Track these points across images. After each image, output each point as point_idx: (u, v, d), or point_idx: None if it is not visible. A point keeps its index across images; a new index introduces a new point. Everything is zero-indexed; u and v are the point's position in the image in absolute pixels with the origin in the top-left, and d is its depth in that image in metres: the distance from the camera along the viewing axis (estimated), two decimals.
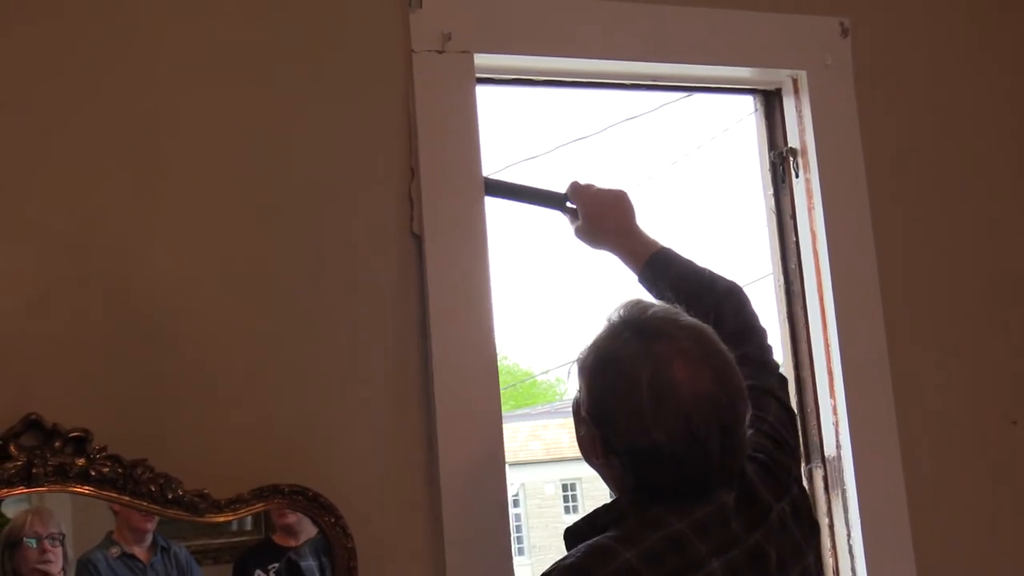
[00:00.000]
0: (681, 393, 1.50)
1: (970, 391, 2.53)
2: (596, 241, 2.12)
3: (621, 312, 1.62)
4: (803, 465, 2.33)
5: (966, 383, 2.53)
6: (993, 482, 2.52)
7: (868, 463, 2.34)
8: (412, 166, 2.07)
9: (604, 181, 2.16)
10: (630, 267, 2.07)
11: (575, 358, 1.66)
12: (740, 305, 1.94)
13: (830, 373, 2.37)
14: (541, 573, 1.48)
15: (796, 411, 1.93)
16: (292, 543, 1.93)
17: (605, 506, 1.59)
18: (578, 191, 2.13)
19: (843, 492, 2.35)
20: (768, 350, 1.92)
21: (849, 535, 2.33)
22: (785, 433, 1.74)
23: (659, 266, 2.02)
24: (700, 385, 1.51)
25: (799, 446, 1.82)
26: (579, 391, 1.64)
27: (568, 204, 2.16)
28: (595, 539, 1.49)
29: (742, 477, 1.59)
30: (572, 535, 1.57)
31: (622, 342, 1.57)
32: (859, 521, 2.32)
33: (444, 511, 2.00)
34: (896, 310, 2.43)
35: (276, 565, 1.93)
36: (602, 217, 2.10)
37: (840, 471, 2.35)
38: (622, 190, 2.14)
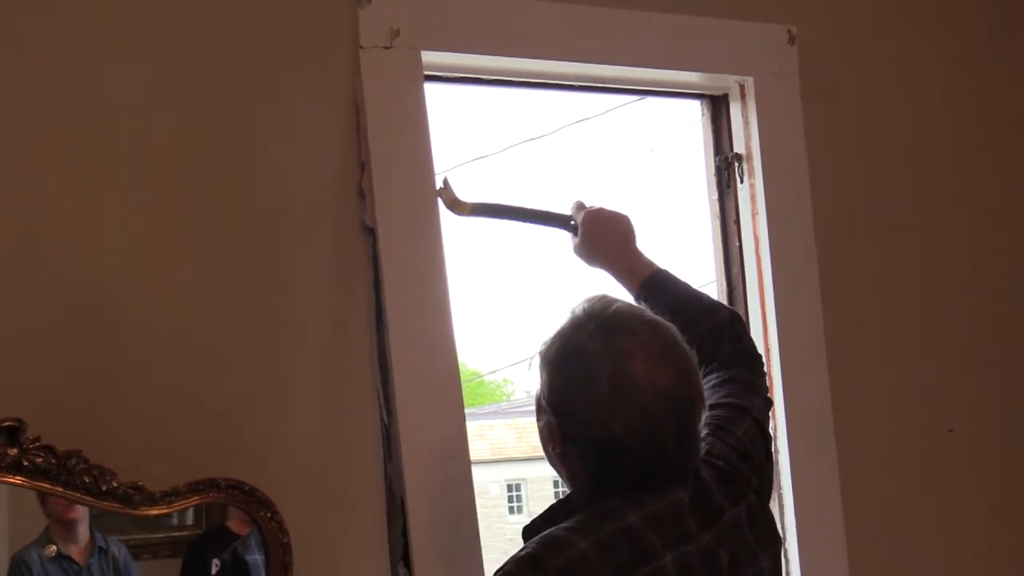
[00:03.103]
0: (641, 388, 1.52)
1: (908, 398, 2.56)
2: (592, 258, 2.11)
3: (585, 306, 1.63)
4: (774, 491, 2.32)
5: (904, 390, 2.56)
6: (930, 488, 2.56)
7: (805, 468, 2.36)
8: (363, 160, 2.07)
9: (611, 204, 2.13)
10: (625, 286, 2.04)
11: (537, 349, 1.66)
12: (740, 333, 1.94)
13: (769, 378, 2.38)
14: (496, 569, 1.49)
15: None
16: (246, 531, 1.91)
17: (560, 501, 1.60)
18: (581, 208, 2.12)
19: (779, 496, 2.36)
20: (760, 375, 1.92)
21: (784, 539, 2.35)
22: (753, 449, 1.75)
23: (657, 287, 1.99)
24: (660, 381, 1.53)
25: (771, 469, 1.81)
26: (540, 382, 1.64)
27: (572, 223, 2.15)
28: (549, 530, 1.51)
29: (697, 478, 1.60)
30: (529, 532, 1.58)
31: (586, 334, 1.58)
32: (795, 525, 2.34)
33: (409, 510, 1.99)
34: (836, 317, 2.45)
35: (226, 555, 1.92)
36: (600, 236, 2.09)
37: (777, 475, 2.36)
38: (625, 214, 2.12)
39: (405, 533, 2.02)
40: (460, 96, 2.41)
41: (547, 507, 1.61)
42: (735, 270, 2.47)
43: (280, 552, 1.88)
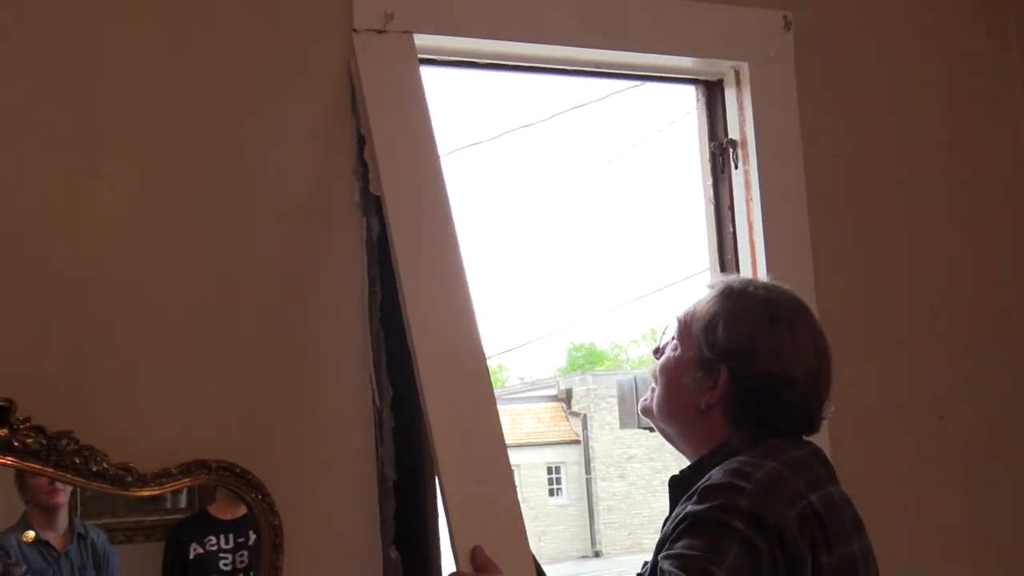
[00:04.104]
0: (811, 339, 1.71)
1: (900, 386, 2.56)
2: None
3: (733, 278, 1.81)
4: None
5: (895, 378, 2.56)
6: (920, 475, 2.56)
7: None
8: (362, 134, 2.05)
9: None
10: None
11: (683, 316, 1.73)
12: None
13: None
14: (700, 483, 1.56)
15: None
16: (229, 516, 1.92)
17: (710, 451, 1.66)
18: None
19: None
20: None
21: None
22: None
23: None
24: (819, 338, 1.72)
25: None
26: (702, 339, 1.69)
27: None
28: (735, 458, 1.60)
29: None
30: (678, 483, 1.67)
31: (754, 290, 1.73)
32: None
33: (447, 496, 1.86)
34: (829, 303, 2.44)
35: (212, 538, 1.92)
36: None
37: None
38: None
39: (397, 515, 2.02)
40: (454, 82, 2.42)
41: (693, 461, 1.69)
42: (728, 256, 2.46)
43: (271, 533, 1.88)
